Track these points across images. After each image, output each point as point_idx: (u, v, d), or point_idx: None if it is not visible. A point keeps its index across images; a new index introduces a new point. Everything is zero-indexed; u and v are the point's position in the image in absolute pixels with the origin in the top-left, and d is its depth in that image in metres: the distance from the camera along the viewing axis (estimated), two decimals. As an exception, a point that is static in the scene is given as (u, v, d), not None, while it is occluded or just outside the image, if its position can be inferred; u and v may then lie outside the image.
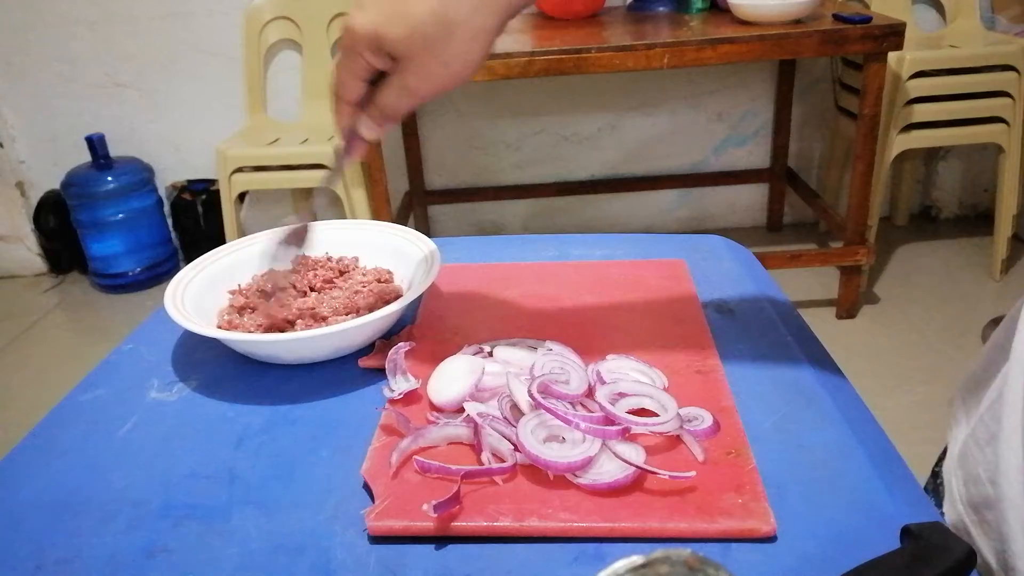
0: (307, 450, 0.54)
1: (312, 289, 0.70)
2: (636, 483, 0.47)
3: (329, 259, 0.74)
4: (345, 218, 2.23)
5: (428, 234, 0.83)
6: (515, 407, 0.53)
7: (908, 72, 1.99)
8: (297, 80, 2.44)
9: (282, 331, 0.65)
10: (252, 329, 0.65)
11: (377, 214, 2.03)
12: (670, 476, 0.47)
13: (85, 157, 2.41)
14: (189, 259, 0.78)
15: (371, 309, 0.65)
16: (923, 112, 2.05)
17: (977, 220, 2.57)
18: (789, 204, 2.61)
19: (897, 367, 1.89)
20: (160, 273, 2.54)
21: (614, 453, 0.49)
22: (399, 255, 0.73)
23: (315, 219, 0.70)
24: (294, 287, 0.69)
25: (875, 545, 0.40)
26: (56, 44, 2.42)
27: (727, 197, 2.64)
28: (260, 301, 0.67)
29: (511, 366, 0.58)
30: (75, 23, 2.39)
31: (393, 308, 0.61)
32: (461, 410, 0.54)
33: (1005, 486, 0.49)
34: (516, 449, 0.49)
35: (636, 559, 0.29)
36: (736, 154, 2.58)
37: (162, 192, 2.57)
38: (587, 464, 0.48)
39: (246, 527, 0.48)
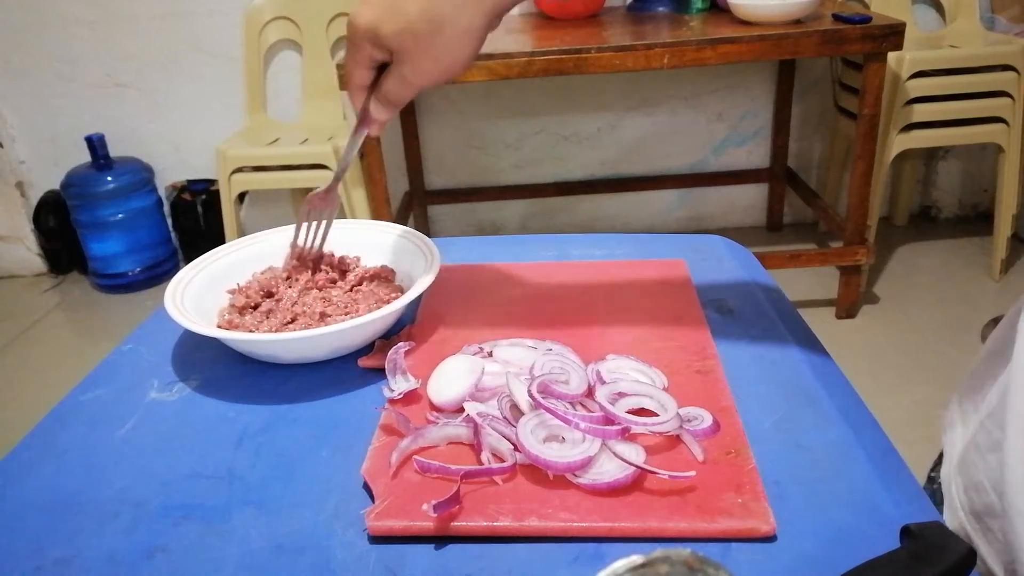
0: (307, 450, 0.54)
1: (315, 288, 0.70)
2: (636, 483, 0.47)
3: (329, 259, 0.74)
4: (345, 218, 2.23)
5: (428, 234, 0.83)
6: (515, 407, 0.53)
7: (908, 72, 1.99)
8: (297, 80, 2.44)
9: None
10: (252, 329, 0.65)
11: (377, 214, 2.03)
12: (670, 476, 0.47)
13: (85, 157, 2.41)
14: (189, 259, 0.78)
15: (371, 309, 0.65)
16: (923, 112, 2.05)
17: (977, 220, 2.57)
18: (789, 204, 2.61)
19: (897, 367, 1.89)
20: (160, 273, 2.54)
21: (614, 453, 0.49)
22: (399, 255, 0.73)
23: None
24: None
25: (875, 545, 0.40)
26: (56, 44, 2.42)
27: (727, 197, 2.64)
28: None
29: (511, 366, 0.58)
30: (75, 23, 2.39)
31: (393, 308, 0.61)
32: (461, 410, 0.54)
33: (1012, 496, 0.48)
34: (516, 449, 0.49)
35: (636, 559, 0.29)
36: (736, 154, 2.58)
37: (162, 192, 2.57)
38: (587, 464, 0.48)
39: (246, 527, 0.48)
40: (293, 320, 0.65)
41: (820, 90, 2.47)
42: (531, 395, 0.51)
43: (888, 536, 0.42)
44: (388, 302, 0.66)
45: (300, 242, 0.72)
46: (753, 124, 2.53)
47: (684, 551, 0.29)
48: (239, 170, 2.19)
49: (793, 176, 2.50)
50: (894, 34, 1.73)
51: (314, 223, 0.71)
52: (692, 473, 0.47)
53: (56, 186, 2.52)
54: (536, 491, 0.48)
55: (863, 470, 0.49)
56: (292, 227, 0.72)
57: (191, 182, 2.57)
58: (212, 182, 2.52)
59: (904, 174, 2.52)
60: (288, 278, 0.71)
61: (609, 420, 0.51)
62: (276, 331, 0.64)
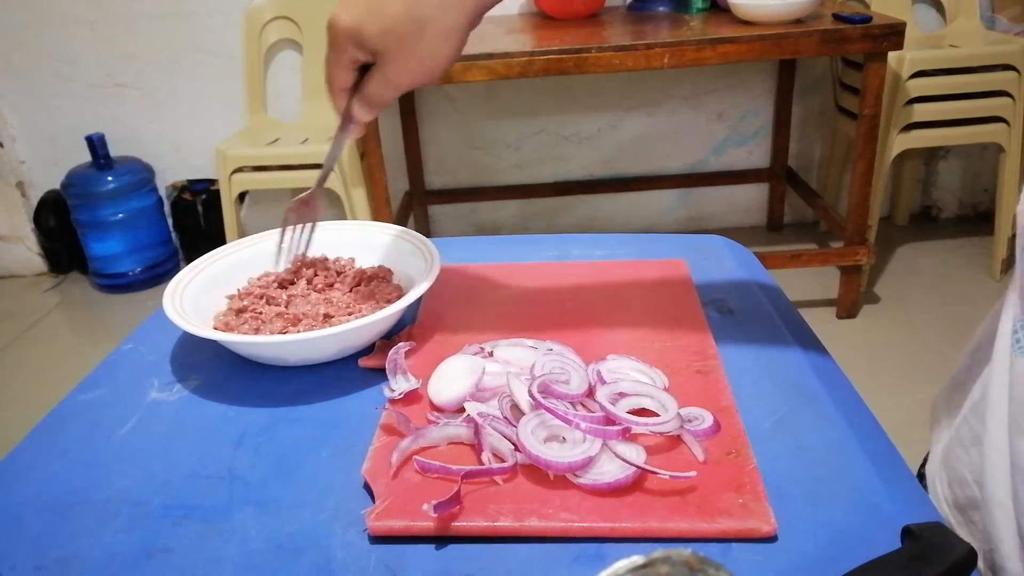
0: (307, 450, 0.54)
1: (314, 291, 0.70)
2: (636, 483, 0.47)
3: (329, 260, 0.74)
4: (345, 218, 2.23)
5: (428, 234, 0.83)
6: (515, 407, 0.53)
7: (908, 72, 1.99)
8: (297, 80, 2.44)
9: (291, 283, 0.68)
10: (250, 331, 0.64)
11: (377, 214, 2.03)
12: (670, 476, 0.47)
13: (85, 157, 2.41)
14: (189, 259, 0.78)
15: (371, 310, 0.65)
16: (923, 112, 2.04)
17: (977, 220, 2.57)
18: (789, 204, 2.61)
19: (897, 367, 1.89)
20: (160, 273, 2.54)
21: (614, 453, 0.49)
22: (399, 255, 0.73)
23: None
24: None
25: (875, 545, 0.40)
26: (56, 44, 2.42)
27: (727, 197, 2.64)
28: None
29: (511, 366, 0.58)
30: (75, 23, 2.39)
31: (393, 308, 0.61)
32: (461, 410, 0.54)
33: (992, 487, 0.49)
34: (516, 449, 0.49)
35: (636, 559, 0.29)
36: (736, 154, 2.58)
37: (162, 192, 2.57)
38: (587, 464, 0.48)
39: (246, 527, 0.48)
40: (296, 322, 0.65)
41: (820, 90, 2.47)
42: (532, 395, 0.51)
43: (888, 536, 0.42)
44: (389, 302, 0.66)
45: (283, 248, 0.71)
46: (753, 124, 2.53)
47: (685, 551, 0.29)
48: (239, 170, 2.19)
49: (793, 176, 2.50)
50: (894, 34, 1.72)
51: (298, 228, 0.70)
52: (693, 473, 0.47)
53: (56, 186, 2.52)
54: (537, 491, 0.48)
55: (863, 470, 0.49)
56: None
57: (191, 182, 2.57)
58: (212, 182, 2.52)
59: (904, 174, 2.52)
60: (281, 286, 0.70)
61: (610, 420, 0.51)
62: (279, 332, 0.64)
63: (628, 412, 0.52)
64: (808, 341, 0.65)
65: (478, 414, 0.52)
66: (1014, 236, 0.49)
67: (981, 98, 2.04)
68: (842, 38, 1.74)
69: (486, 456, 0.50)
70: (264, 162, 2.22)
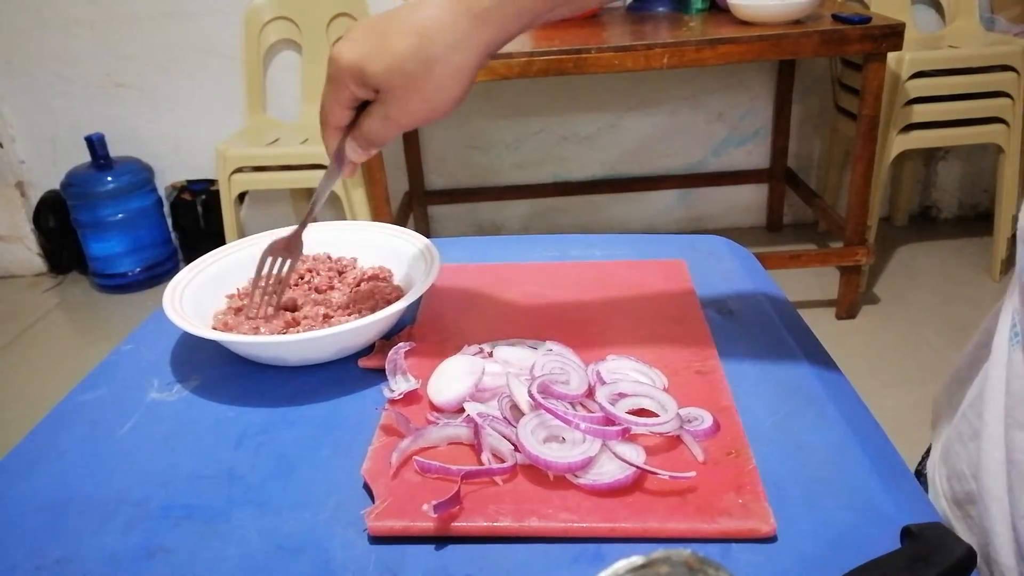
0: (307, 450, 0.54)
1: (314, 291, 0.70)
2: (636, 483, 0.47)
3: (329, 259, 0.74)
4: (345, 218, 2.23)
5: (428, 234, 0.83)
6: (515, 407, 0.53)
7: (907, 72, 1.99)
8: (297, 80, 2.44)
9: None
10: (250, 331, 0.64)
11: (377, 214, 2.03)
12: (670, 476, 0.47)
13: (85, 157, 2.41)
14: (189, 259, 0.78)
15: (371, 310, 0.65)
16: (923, 112, 2.05)
17: (977, 220, 2.57)
18: (789, 204, 2.61)
19: (897, 367, 1.89)
20: (160, 273, 2.54)
21: (614, 453, 0.49)
22: (399, 255, 0.73)
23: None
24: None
25: (875, 545, 0.40)
26: (56, 44, 2.42)
27: (727, 197, 2.64)
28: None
29: (511, 366, 0.58)
30: (75, 23, 2.39)
31: (393, 309, 0.61)
32: (461, 410, 0.54)
33: (987, 480, 0.49)
34: (516, 449, 0.49)
35: (636, 559, 0.29)
36: (736, 154, 2.58)
37: (162, 192, 2.57)
38: (587, 464, 0.48)
39: (246, 527, 0.48)
40: (296, 323, 0.65)
41: (820, 90, 2.47)
42: (531, 395, 0.51)
43: (888, 536, 0.42)
44: (389, 302, 0.66)
45: (259, 288, 0.66)
46: (753, 124, 2.53)
47: (684, 552, 0.29)
48: (239, 170, 2.19)
49: (793, 176, 2.50)
50: (894, 34, 1.73)
51: (276, 266, 0.66)
52: (692, 474, 0.47)
53: (56, 186, 2.52)
54: (536, 491, 0.48)
55: (863, 470, 0.49)
56: (291, 229, 0.72)
57: (191, 182, 2.57)
58: (212, 182, 2.52)
59: (904, 174, 2.52)
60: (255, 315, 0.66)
61: (609, 420, 0.51)
62: (279, 332, 0.64)
63: (628, 412, 0.52)
64: (808, 341, 0.65)
65: (478, 414, 0.52)
66: (1014, 236, 0.49)
67: (980, 99, 2.04)
68: (841, 39, 1.74)
69: (486, 456, 0.50)
70: (264, 162, 2.22)
